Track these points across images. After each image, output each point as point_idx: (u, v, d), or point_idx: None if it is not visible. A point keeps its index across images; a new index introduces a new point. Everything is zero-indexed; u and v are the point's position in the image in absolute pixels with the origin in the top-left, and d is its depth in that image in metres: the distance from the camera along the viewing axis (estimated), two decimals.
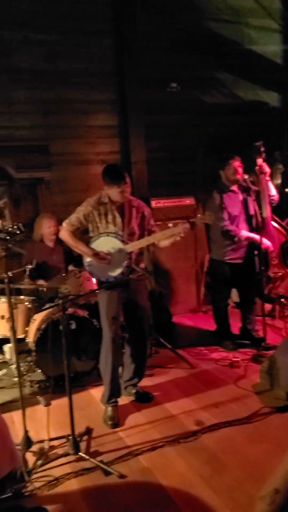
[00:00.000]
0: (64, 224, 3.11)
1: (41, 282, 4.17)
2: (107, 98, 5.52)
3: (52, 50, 5.13)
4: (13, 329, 2.76)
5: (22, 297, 4.05)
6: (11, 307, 2.80)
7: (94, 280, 4.00)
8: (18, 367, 2.74)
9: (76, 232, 3.07)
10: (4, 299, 3.96)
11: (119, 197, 2.97)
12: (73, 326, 3.62)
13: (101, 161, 5.59)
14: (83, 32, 5.23)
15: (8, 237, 2.58)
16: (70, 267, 4.32)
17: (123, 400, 3.23)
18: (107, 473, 2.45)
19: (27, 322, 3.95)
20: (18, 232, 2.58)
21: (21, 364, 3.82)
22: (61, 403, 3.12)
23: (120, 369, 3.23)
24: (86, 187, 5.51)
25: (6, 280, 3.76)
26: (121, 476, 2.41)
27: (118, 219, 3.01)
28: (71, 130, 5.38)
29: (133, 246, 2.99)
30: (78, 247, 3.06)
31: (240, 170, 3.94)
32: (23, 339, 3.92)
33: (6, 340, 4.04)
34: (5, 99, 5.00)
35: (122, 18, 5.32)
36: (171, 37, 5.64)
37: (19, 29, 4.94)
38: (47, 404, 3.29)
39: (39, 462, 2.56)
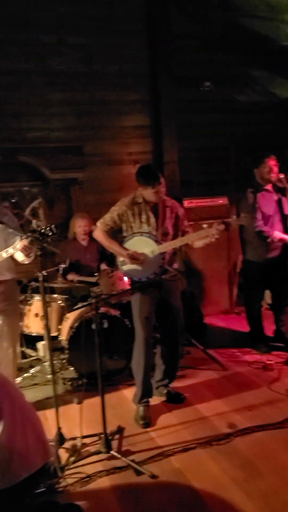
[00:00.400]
0: (98, 223, 3.14)
1: (72, 275, 4.21)
2: (140, 99, 5.54)
3: (87, 52, 5.19)
4: (47, 327, 2.80)
5: (55, 295, 4.11)
6: (46, 305, 2.85)
7: (126, 279, 4.03)
8: (52, 365, 2.79)
9: (110, 232, 3.09)
10: (38, 298, 4.04)
11: (154, 197, 2.98)
12: (105, 325, 3.64)
13: (134, 161, 5.61)
14: (117, 33, 5.26)
15: (40, 238, 2.63)
16: (103, 266, 4.37)
17: (154, 400, 3.23)
18: (138, 473, 2.45)
19: (60, 320, 4.01)
20: (50, 233, 2.63)
21: (54, 362, 3.88)
22: (93, 401, 3.15)
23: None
24: (119, 187, 5.54)
25: (40, 279, 3.87)
26: (153, 476, 2.41)
27: (152, 219, 3.01)
28: (105, 130, 5.43)
29: (167, 247, 2.98)
30: (111, 246, 3.08)
31: (276, 169, 3.86)
32: (56, 337, 3.98)
33: (39, 338, 4.13)
34: (42, 102, 5.10)
35: (155, 18, 5.32)
36: (205, 35, 5.60)
37: (55, 32, 5.02)
38: (80, 402, 3.33)
39: (72, 459, 2.59)
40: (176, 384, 3.43)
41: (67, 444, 2.74)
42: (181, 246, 3.31)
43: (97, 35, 5.20)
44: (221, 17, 5.62)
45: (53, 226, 2.62)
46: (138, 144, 5.63)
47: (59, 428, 2.72)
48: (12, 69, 4.95)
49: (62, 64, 5.11)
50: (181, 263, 4.73)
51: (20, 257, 2.82)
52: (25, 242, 2.64)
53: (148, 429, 2.93)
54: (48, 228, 2.61)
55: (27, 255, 2.76)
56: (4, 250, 2.72)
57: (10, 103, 5.01)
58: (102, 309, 3.68)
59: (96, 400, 3.13)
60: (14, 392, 2.04)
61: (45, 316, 2.78)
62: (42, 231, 2.60)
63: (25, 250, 2.68)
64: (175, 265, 3.18)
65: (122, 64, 5.36)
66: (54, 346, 4.02)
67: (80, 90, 5.23)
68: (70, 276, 4.21)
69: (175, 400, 3.27)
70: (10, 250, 2.71)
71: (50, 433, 2.69)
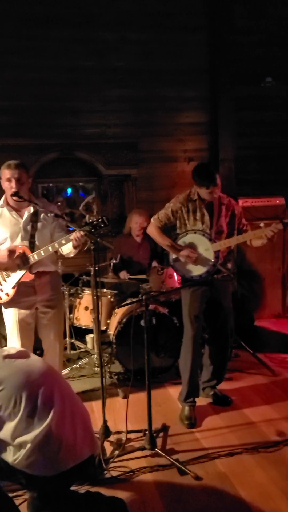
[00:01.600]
0: (152, 219, 3.13)
1: (123, 273, 4.24)
2: (197, 95, 5.47)
3: (146, 48, 5.20)
4: (98, 321, 2.83)
5: (105, 290, 4.16)
6: (98, 300, 2.88)
7: (176, 277, 4.00)
8: (100, 359, 2.80)
9: (164, 228, 3.07)
10: (88, 291, 4.11)
11: (208, 197, 2.93)
12: (153, 322, 3.64)
13: (188, 159, 5.56)
14: (177, 29, 5.23)
15: (93, 230, 2.64)
16: (153, 263, 4.36)
17: (200, 401, 3.18)
18: (182, 473, 2.42)
19: (109, 315, 4.05)
20: (102, 225, 2.63)
21: (102, 355, 3.93)
22: (138, 397, 3.16)
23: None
24: (172, 184, 5.52)
25: (92, 273, 3.93)
26: (197, 477, 2.37)
27: (207, 217, 2.96)
28: (161, 127, 5.42)
29: (221, 245, 2.92)
30: (164, 243, 3.06)
31: None
32: (104, 331, 4.03)
33: (88, 330, 4.20)
34: (100, 98, 5.17)
35: (218, 13, 5.22)
36: (267, 30, 5.43)
37: (116, 29, 5.07)
38: (125, 397, 3.36)
39: (116, 452, 2.60)
40: (223, 386, 3.36)
41: (112, 438, 2.76)
42: (235, 246, 3.24)
43: (157, 31, 5.19)
44: (285, 11, 5.42)
45: (105, 217, 2.63)
46: (194, 141, 5.56)
47: (105, 421, 2.74)
48: (72, 67, 5.06)
49: (121, 61, 5.15)
50: (232, 263, 4.63)
51: (66, 249, 2.85)
52: (77, 234, 2.67)
53: (193, 430, 2.89)
54: (100, 220, 2.62)
55: (75, 247, 2.78)
56: (56, 242, 2.75)
57: (69, 100, 5.12)
58: (151, 306, 3.67)
59: (141, 396, 3.15)
60: (63, 383, 2.08)
61: (96, 310, 2.81)
62: (95, 223, 2.62)
63: (76, 241, 2.70)
64: (229, 265, 3.10)
65: (181, 60, 5.32)
66: (102, 340, 4.08)
67: (138, 86, 5.24)
68: (122, 275, 4.23)
69: (222, 402, 3.20)
70: (57, 245, 2.74)
71: (96, 425, 2.72)
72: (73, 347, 4.35)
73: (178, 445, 2.71)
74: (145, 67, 5.23)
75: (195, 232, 2.97)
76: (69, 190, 5.46)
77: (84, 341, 4.38)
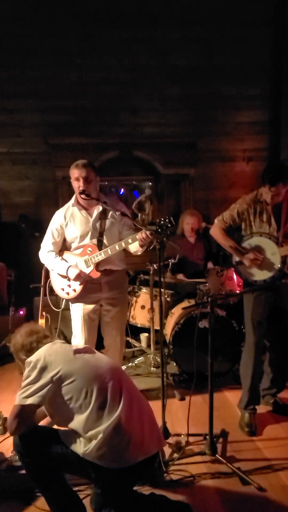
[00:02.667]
0: (216, 221, 3.07)
1: (180, 276, 4.22)
2: (259, 93, 5.34)
3: (209, 46, 5.14)
4: (161, 321, 2.81)
5: (161, 290, 4.13)
6: (161, 299, 2.85)
7: (235, 279, 3.91)
8: (162, 358, 2.78)
9: (228, 230, 3.01)
10: (145, 290, 4.11)
11: (268, 198, 2.81)
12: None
13: (247, 159, 5.44)
14: (241, 25, 5.12)
15: (159, 229, 2.63)
16: (209, 265, 4.30)
17: (260, 408, 3.09)
18: (244, 482, 2.35)
19: (165, 315, 4.03)
20: (169, 225, 2.61)
21: (157, 356, 3.93)
22: (195, 400, 3.09)
23: None
24: (230, 185, 5.43)
25: (151, 272, 3.93)
26: (260, 488, 2.30)
27: (274, 219, 2.86)
28: (220, 126, 5.34)
29: None
30: (228, 245, 2.99)
31: None
32: (158, 331, 4.01)
33: (143, 329, 4.21)
34: (160, 97, 5.17)
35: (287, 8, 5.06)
36: None
37: (179, 27, 5.04)
38: (182, 399, 3.33)
39: (176, 455, 2.58)
40: (284, 395, 3.25)
41: (171, 440, 2.74)
42: None
43: (220, 28, 5.11)
44: None
45: (171, 218, 2.60)
46: (254, 141, 5.44)
47: (164, 422, 2.72)
48: (134, 66, 5.10)
49: (183, 59, 5.12)
50: None
51: (133, 248, 2.86)
52: (143, 234, 2.67)
53: (254, 438, 2.81)
54: (167, 220, 2.60)
55: (141, 246, 2.79)
56: (123, 241, 2.77)
57: (130, 99, 5.16)
58: (208, 309, 3.61)
59: (199, 398, 3.11)
60: (129, 379, 2.10)
61: (160, 309, 2.79)
62: (162, 223, 2.60)
63: (142, 241, 2.71)
64: None
65: (243, 58, 5.22)
66: (157, 339, 4.08)
67: (198, 85, 5.20)
68: (179, 276, 4.21)
69: (283, 411, 3.10)
70: (124, 244, 2.76)
71: None
72: (128, 345, 4.38)
73: (238, 453, 2.65)
74: (206, 64, 5.18)
75: (261, 235, 2.88)
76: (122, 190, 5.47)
77: (138, 340, 4.39)
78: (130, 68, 5.09)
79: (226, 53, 5.17)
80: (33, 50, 4.95)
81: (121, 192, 5.41)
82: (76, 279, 2.85)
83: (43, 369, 1.90)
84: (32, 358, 1.96)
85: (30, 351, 2.05)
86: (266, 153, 5.45)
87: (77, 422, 1.85)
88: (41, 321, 3.59)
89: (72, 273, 2.85)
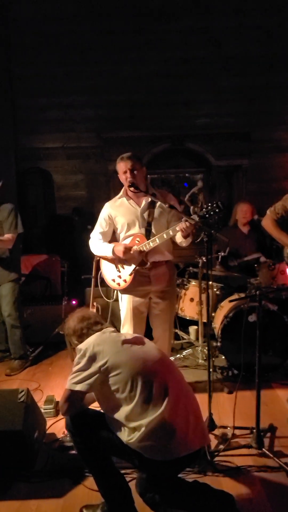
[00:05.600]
0: (268, 211, 3.00)
1: (232, 262, 4.17)
2: None
3: (266, 34, 5.00)
4: (208, 314, 2.81)
5: (211, 283, 4.11)
6: (208, 292, 2.86)
7: None
8: (208, 351, 2.80)
9: (280, 221, 2.93)
10: (194, 283, 4.11)
11: None
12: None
13: None
14: None
15: (207, 215, 2.58)
16: (262, 259, 4.21)
17: None
18: None
19: (214, 308, 4.01)
20: (217, 210, 2.53)
21: (206, 348, 3.92)
22: (244, 394, 3.08)
23: None
24: (285, 176, 5.28)
25: (200, 265, 3.92)
26: None
27: None
28: (276, 116, 5.20)
29: None
30: (280, 237, 2.92)
31: None
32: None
33: (192, 322, 4.21)
34: (214, 88, 5.11)
35: None
36: None
37: (235, 15, 4.94)
38: (230, 392, 3.31)
39: (221, 446, 2.58)
40: None
41: (217, 431, 2.74)
42: None
43: (278, 15, 4.94)
44: None
45: (219, 202, 2.53)
46: None
47: (210, 414, 2.73)
48: (188, 57, 5.07)
49: (239, 48, 5.03)
50: None
51: (179, 239, 2.85)
52: (183, 224, 2.64)
53: None
54: (215, 205, 2.54)
55: (184, 237, 2.77)
56: (171, 229, 2.76)
57: (183, 91, 5.15)
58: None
59: (247, 393, 3.08)
60: (177, 373, 2.10)
61: (207, 302, 2.79)
62: (209, 208, 2.55)
63: (183, 231, 2.68)
64: None
65: None
66: (206, 332, 4.06)
67: (254, 74, 5.09)
68: (231, 263, 4.16)
69: None
70: (171, 232, 2.75)
71: None
72: (177, 337, 4.39)
73: (286, 448, 2.60)
74: (264, 53, 5.04)
75: None
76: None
77: (187, 332, 4.41)
78: (184, 60, 5.08)
79: (281, 41, 5.00)
80: (87, 46, 5.07)
81: (186, 184, 5.40)
82: (125, 255, 2.82)
83: (92, 358, 1.95)
84: (82, 346, 2.02)
85: (81, 336, 2.12)
86: None
87: (122, 412, 1.90)
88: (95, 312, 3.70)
89: (119, 250, 2.84)
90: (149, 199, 2.93)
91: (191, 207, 2.77)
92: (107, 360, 1.93)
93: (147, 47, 5.03)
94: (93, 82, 5.15)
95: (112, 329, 2.15)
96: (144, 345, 2.08)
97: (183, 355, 4.01)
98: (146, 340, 2.16)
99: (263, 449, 2.51)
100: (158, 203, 2.93)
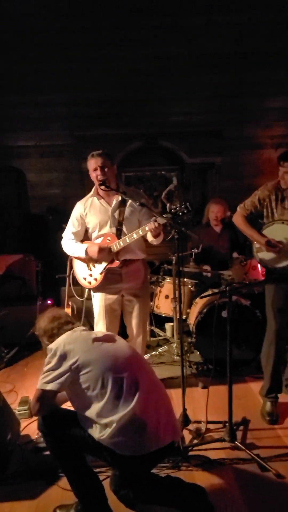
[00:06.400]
0: (238, 208, 3.04)
1: (206, 267, 4.22)
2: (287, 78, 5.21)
3: (236, 31, 5.04)
4: (180, 310, 2.84)
5: (185, 279, 4.15)
6: (180, 289, 2.88)
7: (260, 268, 3.87)
8: (181, 348, 2.82)
9: (250, 217, 2.98)
10: (169, 280, 4.14)
11: (283, 178, 2.77)
12: (235, 314, 3.57)
13: (276, 145, 5.33)
14: (268, 9, 4.99)
15: (175, 217, 2.61)
16: (235, 254, 4.27)
17: (283, 397, 3.08)
18: (263, 469, 2.37)
19: (189, 304, 4.05)
20: (185, 211, 2.58)
21: None
22: (218, 388, 3.12)
23: None
24: (258, 173, 5.35)
25: (174, 262, 3.94)
26: (279, 475, 2.31)
27: None
28: (247, 113, 5.26)
29: None
30: (249, 233, 2.96)
31: None
32: (184, 320, 4.04)
33: (168, 319, 4.24)
34: (186, 85, 5.13)
35: None
36: None
37: (205, 13, 4.96)
38: (205, 387, 3.36)
39: (195, 441, 2.62)
40: None
41: (191, 426, 2.78)
42: None
43: (247, 13, 4.99)
44: None
45: (188, 203, 2.57)
46: (282, 127, 5.35)
47: (184, 409, 2.76)
48: (160, 55, 5.07)
49: (210, 46, 5.05)
50: None
51: (150, 237, 2.86)
52: (151, 225, 2.66)
53: (275, 426, 2.81)
54: (183, 206, 2.59)
55: (154, 237, 2.79)
56: (140, 229, 2.78)
57: (155, 89, 5.16)
58: (233, 298, 3.59)
59: (221, 387, 3.12)
60: (148, 369, 2.12)
61: (179, 299, 2.81)
62: (177, 209, 2.59)
63: (152, 231, 2.70)
64: None
65: (271, 42, 5.08)
66: (180, 329, 4.10)
67: (225, 71, 5.13)
68: (204, 266, 4.20)
69: None
70: (141, 232, 2.77)
71: (175, 413, 2.75)
72: (153, 334, 4.43)
73: (258, 440, 2.66)
74: (234, 50, 5.09)
75: (282, 222, 2.84)
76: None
77: (163, 329, 4.44)
78: (156, 58, 5.07)
79: (253, 39, 5.06)
80: (59, 44, 5.02)
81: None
82: (99, 255, 2.84)
83: (62, 357, 1.95)
84: (52, 345, 2.02)
85: (52, 336, 2.12)
86: None
87: (94, 409, 1.91)
88: (68, 311, 3.69)
89: (93, 251, 2.85)
90: (120, 198, 2.93)
91: (167, 205, 2.78)
92: (77, 359, 1.93)
93: (118, 44, 5.01)
94: (65, 80, 5.10)
95: (83, 327, 2.15)
96: (115, 343, 2.09)
97: (158, 352, 4.04)
98: (118, 337, 2.17)
99: (236, 442, 2.56)
100: (129, 202, 2.93)
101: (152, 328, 4.40)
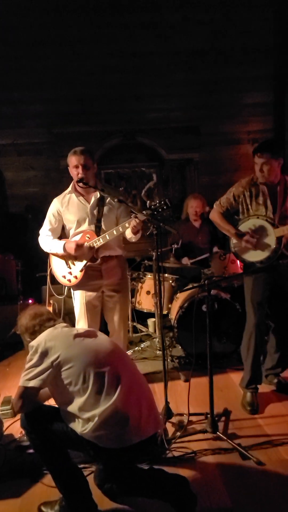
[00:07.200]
0: (214, 205, 3.09)
1: (185, 260, 4.26)
2: (263, 74, 5.29)
3: (211, 28, 5.08)
4: (160, 305, 2.86)
5: (166, 275, 4.19)
6: (160, 284, 2.91)
7: (239, 262, 3.93)
8: (162, 342, 2.85)
9: (226, 214, 3.03)
10: (150, 276, 4.17)
11: (259, 175, 2.82)
12: (215, 308, 3.62)
13: (252, 141, 5.41)
14: (244, 6, 5.05)
15: (154, 213, 2.64)
16: (215, 249, 4.32)
17: (263, 388, 3.14)
18: (244, 458, 2.42)
19: (171, 299, 4.09)
20: (165, 207, 2.62)
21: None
22: (200, 381, 3.17)
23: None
24: (235, 168, 5.41)
25: (154, 258, 3.97)
26: (259, 463, 2.36)
27: (270, 201, 2.87)
28: (224, 109, 5.32)
29: (284, 230, 2.81)
30: (226, 228, 3.01)
31: None
32: (166, 315, 4.08)
33: (150, 314, 4.27)
34: (163, 82, 5.15)
35: None
36: None
37: (180, 10, 4.99)
38: (186, 380, 3.40)
39: (178, 433, 2.66)
40: (287, 374, 3.29)
41: (174, 419, 2.81)
42: None
43: (223, 10, 5.04)
44: None
45: (167, 200, 2.61)
46: (258, 122, 5.41)
47: (167, 403, 2.80)
48: (136, 51, 5.08)
49: (185, 43, 5.09)
50: None
51: (128, 234, 2.89)
52: (132, 221, 2.69)
53: (256, 416, 2.86)
54: (162, 202, 2.62)
55: (134, 233, 2.81)
56: (120, 225, 2.80)
57: (133, 85, 5.16)
58: (213, 292, 3.64)
59: (203, 380, 3.15)
60: (129, 363, 2.15)
61: (159, 294, 2.83)
62: (157, 206, 2.62)
63: (133, 228, 2.73)
64: None
65: (247, 39, 5.15)
66: (164, 324, 4.13)
67: (201, 68, 5.17)
68: (184, 261, 4.25)
69: (285, 390, 3.15)
70: (121, 229, 2.79)
71: (158, 407, 2.76)
72: (135, 330, 4.45)
73: (240, 430, 2.71)
74: (209, 47, 5.13)
75: (257, 217, 2.89)
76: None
77: (146, 325, 4.47)
78: (132, 54, 5.08)
79: (229, 35, 5.12)
80: (35, 41, 4.97)
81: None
82: (76, 251, 2.84)
83: (44, 354, 1.97)
84: (34, 342, 2.03)
85: (34, 333, 2.13)
86: (271, 134, 5.41)
87: (76, 404, 1.92)
88: (49, 309, 3.68)
89: (70, 247, 2.85)
90: (98, 195, 2.94)
91: (147, 202, 2.81)
92: (59, 355, 1.95)
93: (95, 41, 5.00)
94: (42, 77, 5.07)
95: (64, 324, 2.17)
96: (96, 338, 2.11)
97: (141, 348, 4.07)
98: (99, 333, 2.19)
99: (218, 432, 2.61)
100: (108, 199, 2.95)
101: (135, 324, 4.42)
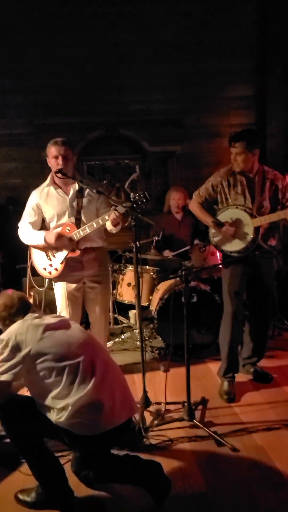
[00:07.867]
0: (193, 195, 3.12)
1: (167, 252, 4.28)
2: (246, 67, 5.30)
3: (194, 20, 5.07)
4: (139, 297, 2.88)
5: (147, 267, 4.21)
6: (138, 276, 2.92)
7: (218, 255, 3.98)
8: (141, 333, 2.87)
9: (205, 204, 3.05)
10: (131, 268, 4.18)
11: (236, 163, 2.87)
12: (195, 299, 3.66)
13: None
14: None
15: (134, 206, 2.66)
16: (196, 241, 4.35)
17: (240, 377, 3.20)
18: (219, 444, 2.47)
19: (151, 291, 4.12)
20: (144, 200, 2.64)
21: (144, 330, 4.03)
22: (179, 371, 3.22)
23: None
24: (217, 161, 5.43)
25: (134, 250, 3.98)
26: (234, 449, 2.42)
27: (248, 191, 2.90)
28: (206, 102, 5.32)
29: (261, 221, 2.85)
30: (205, 219, 3.04)
31: None
32: (147, 307, 4.11)
33: (131, 306, 4.29)
34: (145, 74, 5.13)
35: None
36: None
37: (162, 0, 4.97)
38: (166, 370, 3.44)
39: (155, 422, 2.69)
40: (264, 363, 3.35)
41: (152, 408, 2.85)
42: (281, 222, 3.14)
43: (206, 1, 5.03)
44: None
45: (146, 193, 2.63)
46: (240, 116, 5.43)
47: (145, 392, 2.83)
48: (118, 43, 5.04)
49: (168, 34, 5.07)
50: (278, 241, 4.52)
51: (109, 226, 2.89)
52: (112, 214, 2.70)
53: (232, 404, 2.92)
54: (142, 195, 2.63)
55: (114, 225, 2.82)
56: (100, 218, 2.80)
57: (115, 77, 5.13)
58: (192, 283, 3.69)
59: (182, 370, 3.18)
60: (102, 351, 2.17)
61: (137, 286, 2.85)
62: (136, 198, 2.63)
63: (113, 221, 2.74)
64: (272, 242, 3.03)
65: (229, 32, 5.16)
66: (145, 315, 4.17)
67: (184, 60, 5.16)
68: (166, 253, 4.27)
69: (262, 379, 3.21)
70: (101, 221, 2.80)
71: (137, 396, 2.81)
72: (116, 321, 4.48)
73: (216, 418, 2.76)
74: (192, 40, 5.12)
75: (236, 207, 2.93)
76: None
77: (127, 316, 4.49)
78: (114, 45, 5.04)
79: (211, 28, 5.11)
80: (15, 29, 4.90)
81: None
82: (57, 242, 2.83)
83: (15, 348, 1.95)
84: (4, 336, 2.01)
85: (5, 325, 2.11)
86: (253, 127, 5.43)
87: (50, 396, 1.94)
88: (24, 295, 3.66)
89: (51, 238, 2.84)
90: (77, 187, 2.94)
91: (131, 194, 2.81)
92: (30, 349, 1.94)
93: (77, 31, 4.94)
94: (22, 67, 5.00)
95: (35, 315, 2.10)
96: (69, 329, 2.10)
97: (122, 339, 4.09)
98: (72, 322, 2.18)
99: (194, 420, 2.65)
100: (87, 191, 2.94)
101: (116, 315, 4.44)
